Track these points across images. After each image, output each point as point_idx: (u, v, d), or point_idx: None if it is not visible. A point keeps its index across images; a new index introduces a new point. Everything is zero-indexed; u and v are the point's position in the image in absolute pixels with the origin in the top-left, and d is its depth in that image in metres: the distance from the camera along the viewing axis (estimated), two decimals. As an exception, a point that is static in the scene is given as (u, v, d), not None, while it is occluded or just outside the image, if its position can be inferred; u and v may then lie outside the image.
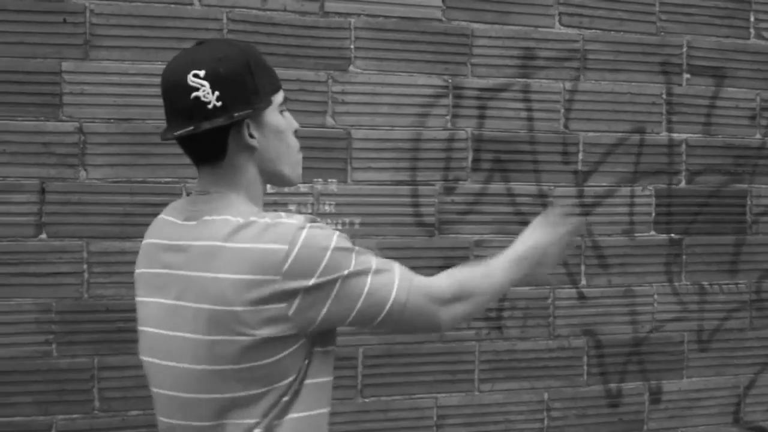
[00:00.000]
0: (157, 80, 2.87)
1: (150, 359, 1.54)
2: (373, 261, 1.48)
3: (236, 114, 1.46)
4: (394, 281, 1.49)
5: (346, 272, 1.43)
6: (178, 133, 1.46)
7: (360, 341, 3.07)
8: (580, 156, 3.32)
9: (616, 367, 3.38)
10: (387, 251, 3.10)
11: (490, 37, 3.19)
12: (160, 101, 2.87)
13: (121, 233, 2.86)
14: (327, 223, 3.04)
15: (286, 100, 1.60)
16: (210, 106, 1.45)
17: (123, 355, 2.87)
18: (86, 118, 2.83)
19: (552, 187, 3.28)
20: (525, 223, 3.25)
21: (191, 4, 2.90)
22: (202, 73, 1.44)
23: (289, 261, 1.39)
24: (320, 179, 3.03)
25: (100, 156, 2.84)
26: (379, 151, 3.10)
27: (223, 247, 1.42)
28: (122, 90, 2.85)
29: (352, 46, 3.06)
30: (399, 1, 3.09)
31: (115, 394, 2.86)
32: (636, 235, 3.38)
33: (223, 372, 1.42)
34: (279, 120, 1.55)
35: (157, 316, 1.52)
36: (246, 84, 1.47)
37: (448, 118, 3.17)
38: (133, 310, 2.86)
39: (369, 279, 1.46)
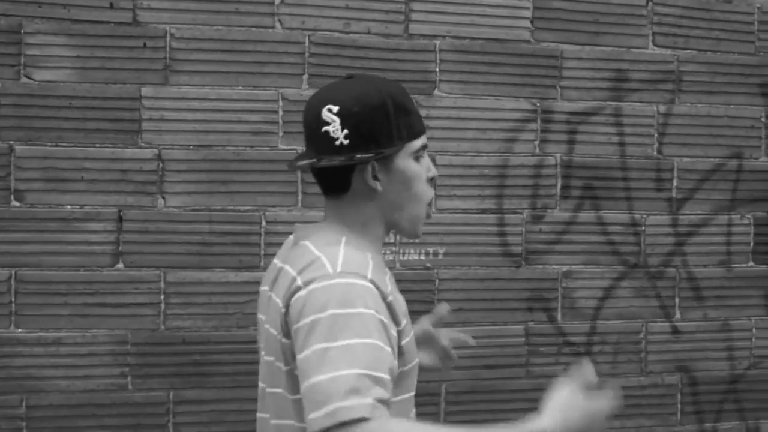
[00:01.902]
0: (238, 105, 2.78)
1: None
2: (352, 377, 1.26)
3: (358, 155, 1.44)
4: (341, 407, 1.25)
5: (320, 346, 1.29)
6: (300, 164, 1.47)
7: (443, 376, 2.94)
8: (675, 182, 3.14)
9: (712, 405, 3.19)
10: (472, 282, 2.96)
11: (580, 58, 3.05)
12: (240, 127, 2.78)
13: (200, 263, 2.77)
14: (409, 251, 2.91)
15: (424, 147, 1.53)
16: (337, 143, 1.45)
17: (200, 389, 2.77)
18: (165, 145, 2.75)
19: (645, 216, 3.11)
20: (617, 254, 3.08)
21: (272, 27, 2.81)
22: (336, 108, 1.45)
23: (294, 298, 1.39)
24: (403, 207, 2.90)
25: (178, 183, 2.76)
26: (465, 178, 2.96)
27: (286, 270, 1.47)
28: (202, 116, 2.77)
29: (437, 69, 2.94)
30: (486, 23, 2.96)
31: (192, 430, 2.76)
32: (733, 266, 3.19)
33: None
34: (410, 166, 1.50)
35: (260, 334, 1.60)
36: (377, 126, 1.45)
37: (536, 143, 3.02)
38: (211, 342, 2.77)
39: (326, 376, 1.27)
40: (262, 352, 1.55)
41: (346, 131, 1.44)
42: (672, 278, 3.14)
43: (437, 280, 2.94)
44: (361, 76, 1.51)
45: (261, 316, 1.60)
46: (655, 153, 3.12)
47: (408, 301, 2.87)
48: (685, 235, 3.15)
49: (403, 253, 2.91)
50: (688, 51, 3.13)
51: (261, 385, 1.57)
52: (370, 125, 1.45)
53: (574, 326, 3.06)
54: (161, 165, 2.75)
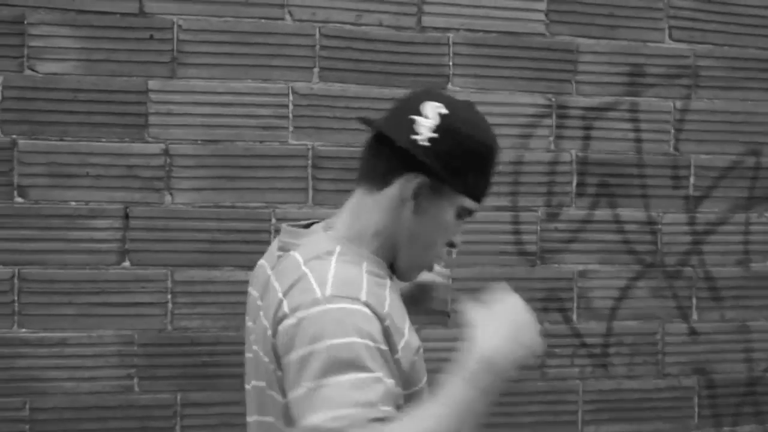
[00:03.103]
0: (247, 99, 2.71)
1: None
2: (351, 416, 1.14)
3: (428, 161, 1.30)
4: None
5: (313, 384, 1.17)
6: (375, 121, 1.36)
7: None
8: (692, 180, 3.07)
9: (730, 408, 3.12)
10: (486, 282, 2.89)
11: (596, 52, 2.98)
12: (249, 121, 2.71)
13: (208, 261, 2.69)
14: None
15: (471, 213, 1.39)
16: (414, 137, 1.30)
17: (208, 392, 2.69)
18: (172, 140, 2.67)
19: (661, 214, 3.04)
20: (633, 253, 3.01)
21: (282, 19, 2.74)
22: (444, 111, 1.31)
23: (281, 325, 1.25)
24: (416, 204, 2.83)
25: (186, 179, 2.68)
26: (478, 175, 2.89)
27: (272, 285, 1.34)
28: (210, 110, 2.69)
29: (450, 63, 2.87)
30: (500, 15, 2.89)
31: (199, 433, 2.69)
32: (752, 265, 3.13)
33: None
34: (448, 214, 1.36)
35: (248, 340, 1.45)
36: (462, 160, 1.32)
37: (551, 139, 2.95)
38: (219, 343, 2.69)
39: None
40: (251, 357, 1.42)
41: (435, 137, 1.30)
42: (689, 278, 3.08)
43: (451, 280, 2.86)
44: (480, 111, 1.39)
45: (249, 324, 1.46)
46: (671, 149, 3.06)
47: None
48: (703, 233, 3.08)
49: (416, 252, 2.83)
50: (705, 45, 3.07)
51: (252, 384, 1.43)
52: (457, 152, 1.31)
53: (589, 327, 2.99)
54: (168, 160, 2.67)
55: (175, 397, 2.68)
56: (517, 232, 2.93)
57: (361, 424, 1.12)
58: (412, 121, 1.31)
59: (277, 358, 1.27)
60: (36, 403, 2.59)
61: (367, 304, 1.24)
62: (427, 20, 2.84)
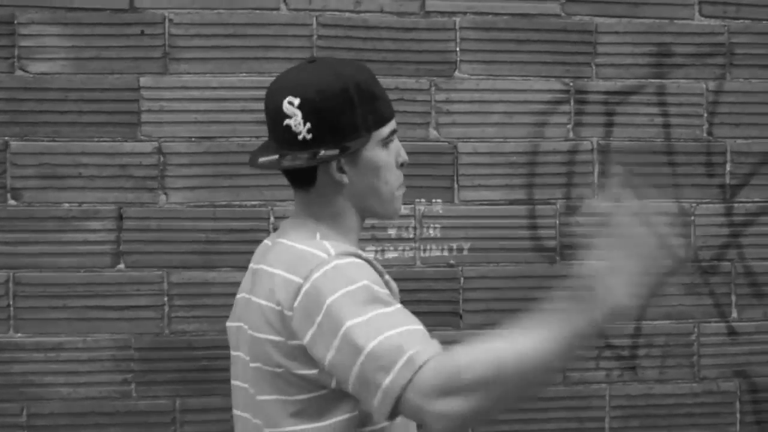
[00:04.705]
0: (242, 93, 2.61)
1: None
2: (404, 332, 1.20)
3: (322, 152, 1.36)
4: (396, 363, 1.18)
5: (348, 324, 1.21)
6: (262, 161, 1.39)
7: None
8: (728, 167, 2.84)
9: (776, 414, 2.87)
10: (500, 280, 2.72)
11: (617, 32, 2.77)
12: (244, 117, 2.61)
13: (205, 262, 2.60)
14: (430, 247, 2.69)
15: (393, 132, 1.44)
16: (300, 137, 1.37)
17: (207, 397, 2.60)
18: (166, 138, 2.59)
19: (695, 205, 2.81)
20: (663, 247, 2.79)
21: (277, 9, 2.63)
22: (297, 101, 1.36)
23: (299, 297, 1.28)
24: (423, 199, 2.68)
25: (180, 178, 2.60)
26: (491, 167, 2.72)
27: (265, 270, 1.37)
28: (204, 105, 2.60)
29: (457, 49, 2.71)
30: (510, -4, 2.72)
31: (199, 440, 2.60)
32: (798, 259, 2.87)
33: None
34: (378, 156, 1.42)
35: (234, 342, 1.50)
36: (342, 119, 1.37)
37: (569, 126, 2.76)
38: (218, 346, 2.59)
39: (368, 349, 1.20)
40: (247, 357, 1.41)
41: (308, 125, 1.36)
42: (727, 273, 2.84)
43: (462, 279, 2.71)
44: (323, 60, 1.41)
45: (235, 324, 1.49)
46: (704, 135, 2.82)
47: (430, 302, 2.67)
48: (741, 225, 2.84)
49: (424, 250, 2.69)
50: (740, 21, 2.82)
51: (243, 385, 1.45)
52: (333, 116, 1.36)
53: (616, 327, 2.78)
54: (162, 159, 2.60)
55: (174, 403, 2.60)
56: (534, 227, 2.75)
57: (421, 335, 1.20)
58: (288, 128, 1.37)
59: (289, 330, 1.29)
60: (33, 409, 2.55)
61: (368, 261, 1.34)
62: (431, 4, 2.69)
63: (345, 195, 1.42)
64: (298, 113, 1.36)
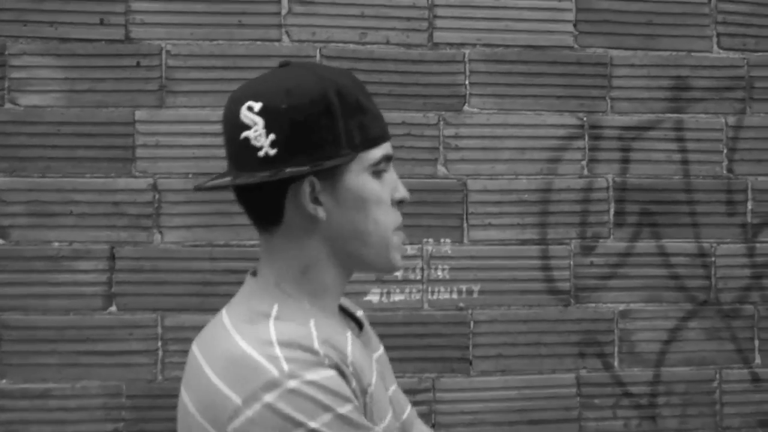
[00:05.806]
0: (241, 128, 2.50)
1: None
2: None
3: (288, 169, 1.03)
4: None
5: None
6: (210, 184, 1.06)
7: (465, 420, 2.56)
8: (749, 205, 2.71)
9: (803, 466, 2.72)
10: (512, 324, 2.59)
11: (632, 65, 2.67)
12: (244, 152, 2.49)
13: (200, 305, 2.47)
14: (438, 289, 2.55)
15: (387, 159, 1.12)
16: (260, 153, 1.04)
17: (202, 448, 2.45)
18: (161, 174, 2.47)
19: (714, 245, 2.68)
20: (683, 289, 2.66)
21: (279, 40, 2.52)
22: (258, 106, 1.04)
23: (237, 422, 0.96)
24: (431, 239, 2.56)
25: (176, 216, 2.47)
26: (501, 205, 2.60)
27: (201, 368, 1.04)
28: (201, 140, 2.49)
29: (466, 82, 2.60)
30: (522, 28, 2.62)
31: (193, 494, 2.45)
32: (824, 302, 2.74)
33: None
34: (366, 185, 1.09)
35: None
36: (317, 128, 1.04)
37: (583, 163, 2.64)
38: (214, 394, 2.45)
39: None
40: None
41: (272, 137, 1.03)
42: (749, 317, 2.70)
43: (472, 323, 2.57)
44: (299, 63, 1.10)
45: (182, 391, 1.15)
46: (724, 171, 2.70)
47: (439, 348, 2.53)
48: (763, 266, 2.71)
49: (432, 292, 2.56)
50: (759, 53, 2.72)
51: None
52: (305, 127, 1.04)
53: (633, 374, 2.64)
54: (157, 196, 2.47)
55: (167, 454, 2.46)
56: (547, 268, 2.62)
57: None
58: (246, 141, 1.05)
59: None
60: (16, 461, 2.41)
61: (336, 367, 1.02)
62: (439, 36, 2.59)
63: (320, 237, 1.10)
64: (259, 121, 1.04)
